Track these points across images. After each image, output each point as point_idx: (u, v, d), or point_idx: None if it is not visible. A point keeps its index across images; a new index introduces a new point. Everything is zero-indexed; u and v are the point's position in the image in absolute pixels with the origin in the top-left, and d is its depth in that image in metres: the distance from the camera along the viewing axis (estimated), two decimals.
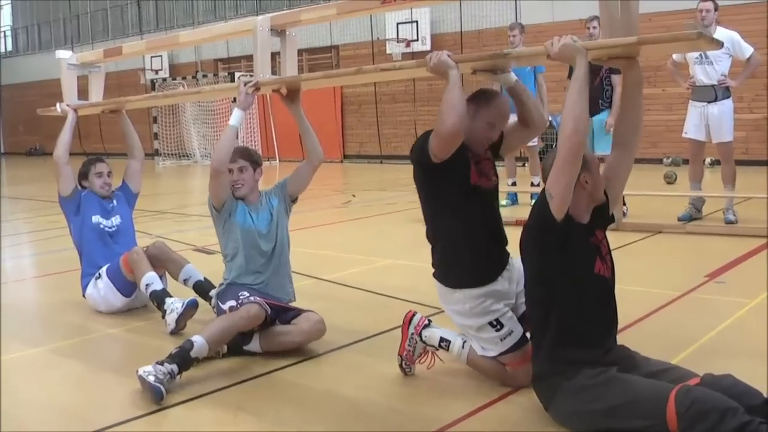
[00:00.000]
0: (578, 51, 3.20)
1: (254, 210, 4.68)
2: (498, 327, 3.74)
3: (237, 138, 4.62)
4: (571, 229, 3.25)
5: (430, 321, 4.05)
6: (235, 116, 4.51)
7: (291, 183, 4.84)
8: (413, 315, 4.08)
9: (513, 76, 3.86)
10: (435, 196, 3.84)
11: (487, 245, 3.83)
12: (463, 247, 3.79)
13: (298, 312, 4.56)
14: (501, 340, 3.74)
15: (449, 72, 3.61)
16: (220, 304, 4.56)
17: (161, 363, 3.89)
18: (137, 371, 3.86)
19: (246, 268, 4.63)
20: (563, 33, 3.29)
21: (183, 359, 3.95)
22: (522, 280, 3.68)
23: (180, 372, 3.93)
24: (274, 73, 4.67)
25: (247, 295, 4.40)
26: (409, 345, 3.99)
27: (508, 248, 3.93)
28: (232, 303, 4.38)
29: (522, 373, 3.67)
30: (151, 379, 3.78)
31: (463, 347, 3.89)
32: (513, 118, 3.97)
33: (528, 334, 3.68)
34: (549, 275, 3.32)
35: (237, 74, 20.89)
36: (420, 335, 3.98)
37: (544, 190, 3.25)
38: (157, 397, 3.73)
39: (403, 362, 4.00)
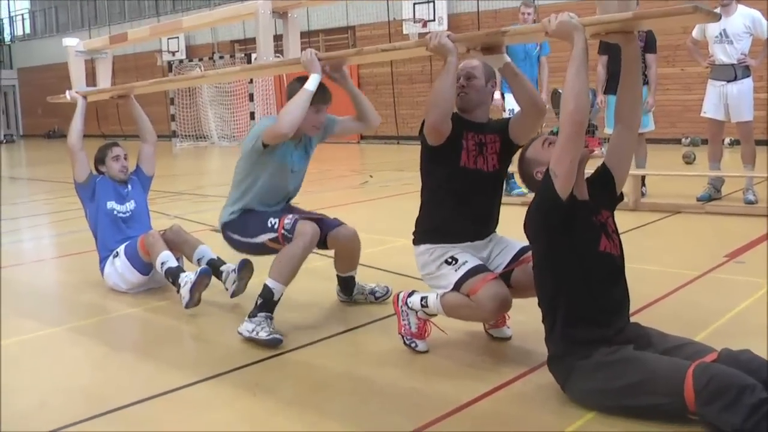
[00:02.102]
0: (575, 28, 3.18)
1: (295, 146, 4.66)
2: (453, 262, 3.89)
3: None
4: (575, 207, 3.24)
5: (413, 291, 4.14)
6: (312, 81, 4.31)
7: (337, 127, 4.80)
8: (398, 294, 4.18)
9: (504, 58, 3.84)
10: (425, 171, 4.07)
11: (460, 218, 3.96)
12: (432, 211, 4.00)
13: (330, 223, 4.79)
14: (455, 270, 3.86)
15: (447, 57, 3.68)
16: (240, 237, 4.62)
17: (255, 315, 4.30)
18: (241, 333, 4.29)
19: (262, 201, 4.65)
20: (579, 13, 3.27)
21: (269, 305, 4.34)
22: (501, 248, 4.04)
23: (272, 315, 4.34)
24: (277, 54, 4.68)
25: (287, 219, 4.49)
26: (403, 320, 4.08)
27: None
28: (271, 235, 4.49)
29: (484, 296, 3.73)
30: (263, 335, 4.21)
31: (437, 298, 3.96)
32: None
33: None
34: (555, 255, 3.32)
35: (253, 56, 20.87)
36: (407, 304, 4.08)
37: (548, 170, 3.24)
38: (277, 343, 4.18)
39: (405, 339, 4.06)
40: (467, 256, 3.91)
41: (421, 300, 4.04)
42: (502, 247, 4.09)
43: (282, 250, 4.44)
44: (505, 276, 3.94)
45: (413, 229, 4.13)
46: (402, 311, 4.10)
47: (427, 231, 4.04)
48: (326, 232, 4.72)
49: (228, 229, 4.69)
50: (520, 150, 3.75)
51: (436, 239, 3.97)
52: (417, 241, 4.08)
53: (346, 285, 5.02)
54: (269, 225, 4.50)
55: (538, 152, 3.51)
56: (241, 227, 4.63)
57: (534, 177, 3.49)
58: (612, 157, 3.50)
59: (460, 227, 3.98)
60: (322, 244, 4.73)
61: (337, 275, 5.02)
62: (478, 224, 4.07)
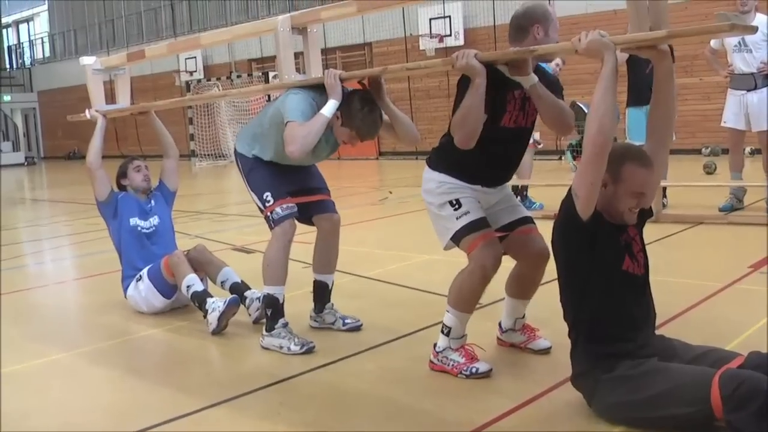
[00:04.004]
0: (606, 47, 3.11)
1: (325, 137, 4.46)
2: (456, 206, 3.89)
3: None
4: (598, 228, 3.21)
5: (435, 343, 4.04)
6: (330, 107, 4.19)
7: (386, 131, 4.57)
8: (429, 359, 4.05)
9: (531, 79, 3.75)
10: None
11: (485, 164, 3.91)
12: (457, 149, 3.78)
13: (317, 208, 4.79)
14: (456, 219, 3.87)
15: (475, 79, 3.62)
16: (243, 174, 4.65)
17: (272, 328, 4.49)
18: (268, 348, 4.46)
19: (276, 155, 4.55)
20: (597, 26, 3.24)
21: (279, 311, 4.52)
22: (508, 205, 4.10)
23: (286, 320, 4.53)
24: (297, 71, 4.65)
25: (279, 208, 4.48)
26: (448, 366, 3.95)
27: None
28: (259, 204, 4.54)
29: (482, 252, 3.79)
30: (296, 348, 4.39)
31: (447, 312, 3.95)
32: None
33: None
34: (577, 272, 3.30)
35: (271, 74, 21.02)
36: (438, 351, 3.99)
37: (570, 188, 3.22)
38: (312, 350, 4.41)
39: (464, 374, 3.89)
40: (471, 204, 3.90)
41: (442, 331, 3.98)
42: (509, 203, 4.13)
43: (265, 254, 4.52)
44: (500, 237, 3.98)
45: (431, 156, 4.09)
46: (441, 361, 3.98)
47: (447, 161, 3.96)
48: (312, 214, 4.80)
49: (239, 157, 4.70)
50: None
51: (454, 172, 3.93)
52: (433, 165, 4.03)
53: (319, 293, 4.92)
54: (264, 197, 4.52)
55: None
56: (247, 169, 4.64)
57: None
58: None
59: (483, 172, 3.95)
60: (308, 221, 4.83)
61: (314, 280, 4.94)
62: (502, 171, 4.08)
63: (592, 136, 3.07)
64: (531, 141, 6.19)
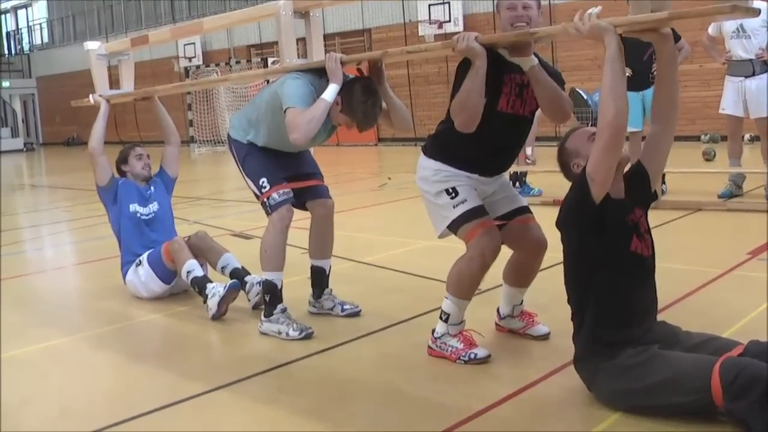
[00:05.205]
0: (607, 30, 3.12)
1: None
2: (453, 195, 3.89)
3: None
4: (607, 208, 3.21)
5: (433, 329, 4.03)
6: (331, 91, 4.15)
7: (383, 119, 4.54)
8: (428, 345, 4.04)
9: (531, 60, 3.76)
10: None
11: (482, 152, 3.89)
12: (455, 135, 3.81)
13: (311, 193, 4.79)
14: (453, 207, 3.88)
15: (475, 61, 3.62)
16: (237, 160, 4.65)
17: (270, 314, 4.50)
18: (266, 334, 4.47)
19: (269, 142, 4.57)
20: (599, 13, 3.22)
21: (277, 296, 4.53)
22: (506, 194, 4.09)
23: (285, 306, 4.54)
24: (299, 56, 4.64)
25: (275, 193, 4.48)
26: (447, 351, 3.94)
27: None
28: (255, 191, 4.54)
29: (482, 240, 3.79)
30: (294, 333, 4.40)
31: (446, 298, 3.95)
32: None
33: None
34: (586, 254, 3.29)
35: (270, 60, 20.98)
36: (437, 338, 3.98)
37: (584, 171, 3.21)
38: (311, 335, 4.40)
39: (463, 360, 3.88)
40: (468, 192, 3.89)
41: (441, 317, 3.98)
42: (507, 193, 4.13)
43: (263, 240, 4.52)
44: (498, 227, 3.98)
45: (427, 144, 4.10)
46: (440, 347, 3.97)
47: (442, 148, 3.98)
48: (306, 200, 4.80)
49: (233, 143, 4.70)
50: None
51: (450, 160, 3.93)
52: (429, 153, 4.03)
53: (317, 279, 4.91)
54: (260, 183, 4.52)
55: (581, 145, 3.44)
56: (242, 155, 4.64)
57: (571, 167, 3.46)
58: (648, 155, 3.46)
59: (480, 160, 3.95)
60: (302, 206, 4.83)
61: (311, 265, 4.93)
62: (498, 160, 4.07)
63: (610, 119, 3.07)
64: (521, 151, 6.19)
